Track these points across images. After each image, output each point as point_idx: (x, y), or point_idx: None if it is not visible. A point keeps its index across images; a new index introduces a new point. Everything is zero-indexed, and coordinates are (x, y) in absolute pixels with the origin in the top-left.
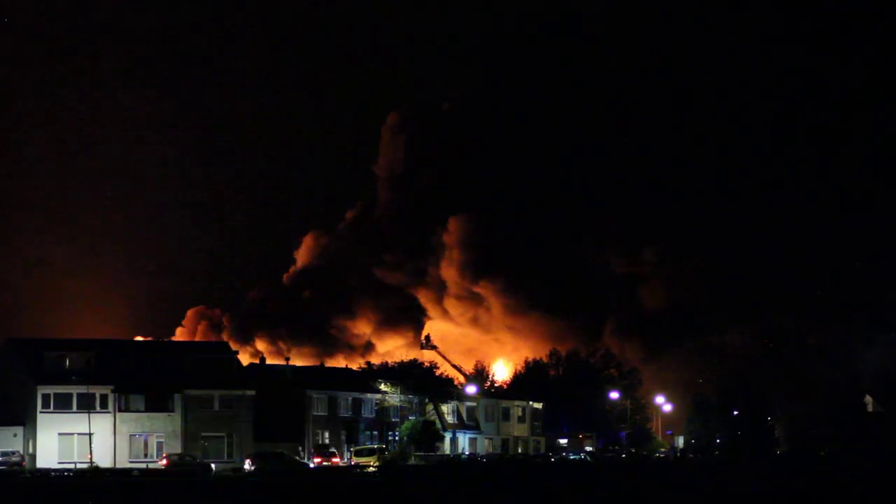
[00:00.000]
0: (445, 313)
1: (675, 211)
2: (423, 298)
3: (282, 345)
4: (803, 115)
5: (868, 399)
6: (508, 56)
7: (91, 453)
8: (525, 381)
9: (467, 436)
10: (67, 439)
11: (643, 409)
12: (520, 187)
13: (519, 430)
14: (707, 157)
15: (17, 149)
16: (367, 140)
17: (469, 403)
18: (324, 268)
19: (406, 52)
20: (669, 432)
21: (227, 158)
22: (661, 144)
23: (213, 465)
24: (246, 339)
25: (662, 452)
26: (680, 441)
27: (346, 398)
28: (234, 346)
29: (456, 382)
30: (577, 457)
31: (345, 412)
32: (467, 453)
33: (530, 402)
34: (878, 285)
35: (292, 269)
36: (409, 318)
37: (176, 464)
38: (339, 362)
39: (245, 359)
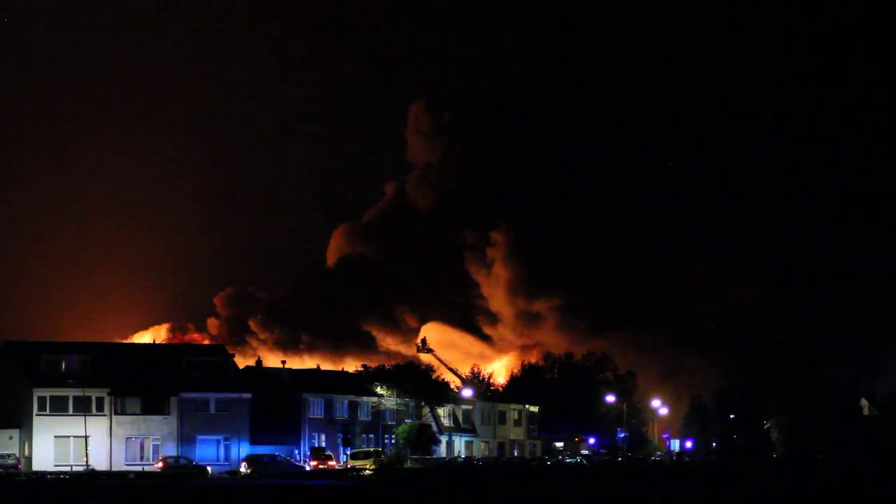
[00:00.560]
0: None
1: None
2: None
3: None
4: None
5: (864, 402)
6: (550, 48)
7: (87, 456)
8: (521, 385)
9: (463, 439)
10: (63, 442)
11: (639, 412)
12: (560, 193)
13: (515, 433)
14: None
15: (13, 150)
16: (396, 132)
17: (465, 407)
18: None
19: (441, 39)
20: (666, 436)
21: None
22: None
23: (208, 468)
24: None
25: (659, 456)
26: (676, 444)
27: (342, 401)
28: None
29: (452, 386)
30: (573, 460)
31: (341, 415)
32: (463, 456)
33: (526, 406)
34: (877, 285)
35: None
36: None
37: (172, 466)
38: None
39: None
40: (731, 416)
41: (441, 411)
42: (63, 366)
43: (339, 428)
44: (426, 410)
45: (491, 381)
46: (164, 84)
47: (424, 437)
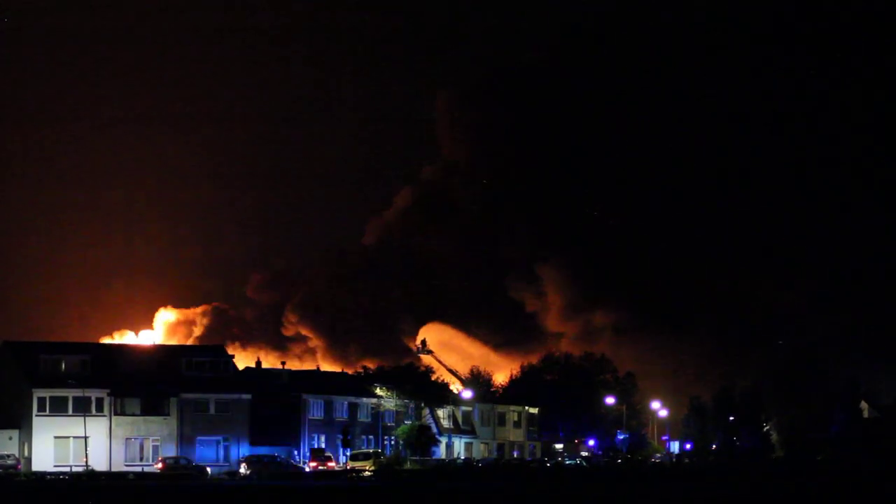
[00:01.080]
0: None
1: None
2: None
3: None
4: None
5: (864, 405)
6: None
7: (87, 457)
8: (521, 386)
9: (463, 440)
10: (63, 443)
11: (639, 414)
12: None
13: (515, 434)
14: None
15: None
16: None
17: (465, 408)
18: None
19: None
20: (665, 437)
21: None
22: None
23: (208, 469)
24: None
25: (658, 457)
26: (675, 446)
27: (341, 402)
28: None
29: (452, 387)
30: (572, 462)
31: (341, 416)
32: (463, 458)
33: (526, 407)
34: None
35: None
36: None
37: (171, 467)
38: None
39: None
40: (731, 417)
41: (440, 413)
42: (63, 366)
43: (339, 429)
44: (426, 412)
45: (491, 381)
46: (181, 78)
47: (424, 439)
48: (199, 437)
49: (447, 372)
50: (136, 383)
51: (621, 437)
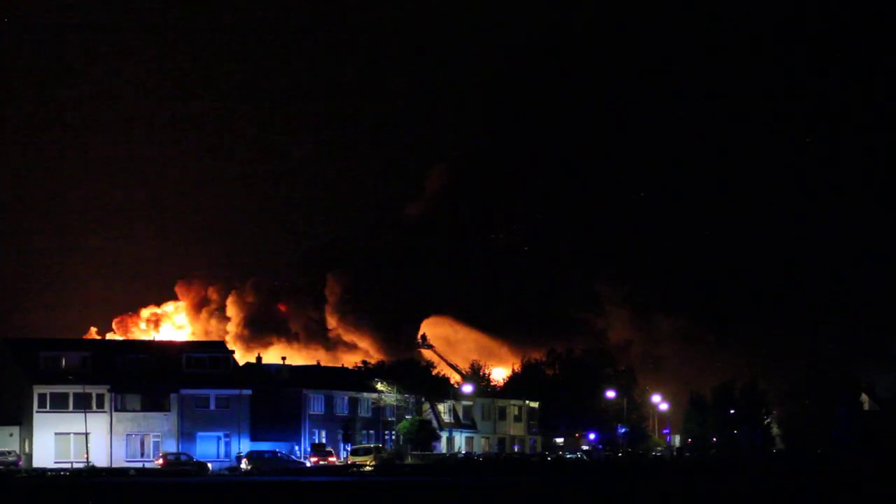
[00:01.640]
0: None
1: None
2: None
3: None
4: None
5: (864, 398)
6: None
7: (87, 453)
8: (521, 381)
9: (464, 435)
10: (64, 439)
11: (639, 407)
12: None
13: (515, 429)
14: None
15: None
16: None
17: (465, 403)
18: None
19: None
20: (666, 431)
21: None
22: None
23: (209, 465)
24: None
25: (659, 451)
26: (676, 440)
27: (342, 397)
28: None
29: (452, 382)
30: (573, 456)
31: (341, 411)
32: (464, 452)
33: (527, 402)
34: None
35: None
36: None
37: (172, 463)
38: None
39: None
40: (731, 411)
41: (441, 407)
42: (63, 363)
43: (340, 424)
44: (426, 406)
45: (490, 377)
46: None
47: (425, 433)
48: (199, 433)
49: (448, 366)
50: (136, 379)
51: (622, 430)
